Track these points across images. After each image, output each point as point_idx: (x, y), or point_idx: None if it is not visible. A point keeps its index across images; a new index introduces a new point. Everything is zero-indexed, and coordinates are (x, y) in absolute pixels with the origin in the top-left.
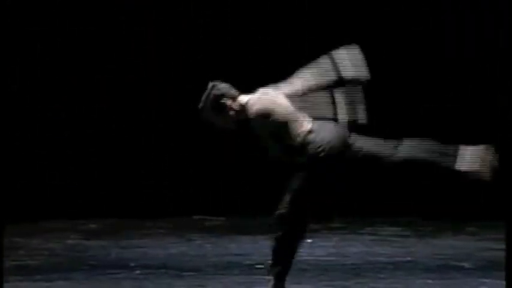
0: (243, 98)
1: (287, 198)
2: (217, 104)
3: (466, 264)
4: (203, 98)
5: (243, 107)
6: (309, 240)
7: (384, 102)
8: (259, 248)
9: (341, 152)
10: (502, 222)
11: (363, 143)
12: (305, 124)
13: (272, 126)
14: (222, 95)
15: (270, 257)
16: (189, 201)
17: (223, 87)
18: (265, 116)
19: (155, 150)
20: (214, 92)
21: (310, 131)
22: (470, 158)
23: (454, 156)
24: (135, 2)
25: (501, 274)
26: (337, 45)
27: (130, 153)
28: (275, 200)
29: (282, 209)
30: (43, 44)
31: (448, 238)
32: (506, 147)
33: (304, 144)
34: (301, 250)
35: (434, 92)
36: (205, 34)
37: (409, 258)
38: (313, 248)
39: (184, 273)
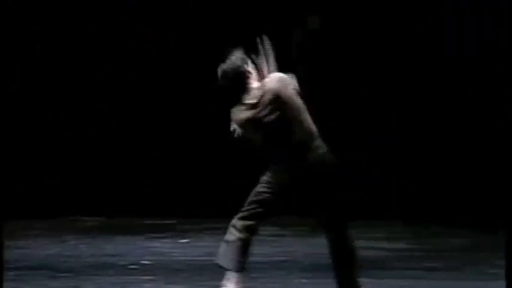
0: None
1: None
2: (238, 70)
3: None
4: (227, 65)
5: (262, 79)
6: (185, 240)
7: (384, 103)
8: (134, 248)
9: None
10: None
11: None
12: (313, 126)
13: (278, 111)
14: (244, 61)
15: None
16: (64, 202)
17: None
18: (282, 98)
19: (35, 151)
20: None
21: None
22: None
23: None
24: (135, 2)
25: (376, 272)
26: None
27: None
28: (151, 201)
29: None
30: (43, 44)
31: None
32: (506, 147)
33: (311, 146)
34: (176, 250)
35: (434, 91)
36: (205, 34)
37: (286, 258)
38: (188, 248)
39: (60, 274)
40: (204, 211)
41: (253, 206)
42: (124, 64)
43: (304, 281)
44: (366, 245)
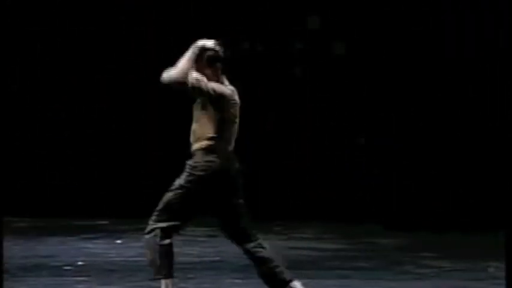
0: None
1: None
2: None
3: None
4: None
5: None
6: (119, 241)
7: (383, 103)
8: (67, 249)
9: None
10: (307, 221)
11: None
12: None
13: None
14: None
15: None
16: None
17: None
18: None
19: None
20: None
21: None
22: None
23: None
24: (135, 2)
25: (308, 272)
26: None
27: None
28: (81, 202)
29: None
30: (43, 44)
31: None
32: (506, 147)
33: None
34: (110, 251)
35: (434, 91)
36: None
37: (217, 258)
38: (122, 249)
39: None
40: (138, 211)
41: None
42: (124, 64)
43: (236, 281)
44: (297, 245)
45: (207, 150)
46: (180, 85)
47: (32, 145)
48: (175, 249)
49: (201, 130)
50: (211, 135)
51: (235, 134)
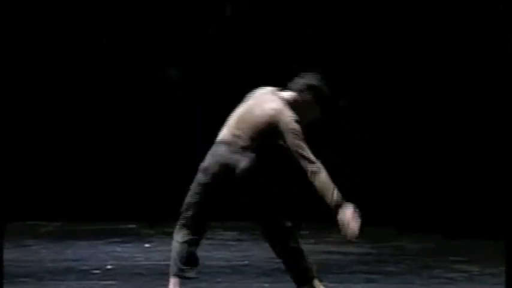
0: None
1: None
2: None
3: None
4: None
5: None
6: (147, 245)
7: (384, 103)
8: (96, 253)
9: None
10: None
11: None
12: None
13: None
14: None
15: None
16: (23, 206)
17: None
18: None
19: None
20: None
21: None
22: None
23: None
24: (135, 2)
25: (335, 276)
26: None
27: None
28: (110, 206)
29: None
30: (43, 44)
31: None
32: (506, 147)
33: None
34: (138, 255)
35: (435, 93)
36: (206, 34)
37: (246, 262)
38: (150, 253)
39: (20, 279)
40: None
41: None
42: (124, 64)
43: (265, 285)
44: (325, 249)
45: None
46: None
47: (60, 150)
48: (204, 253)
49: None
50: None
51: None
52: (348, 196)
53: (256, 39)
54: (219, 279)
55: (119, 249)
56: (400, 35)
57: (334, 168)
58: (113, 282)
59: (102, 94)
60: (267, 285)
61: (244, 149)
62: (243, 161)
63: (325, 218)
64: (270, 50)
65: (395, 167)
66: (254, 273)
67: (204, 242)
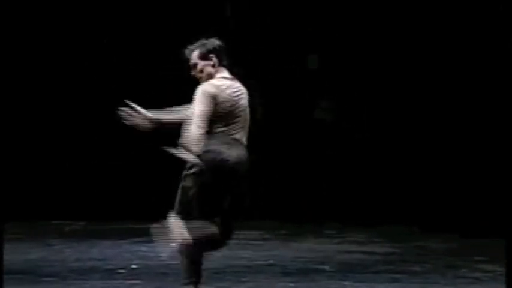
0: (220, 72)
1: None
2: (207, 53)
3: (326, 267)
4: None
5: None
6: (172, 244)
7: (384, 103)
8: (121, 252)
9: None
10: (361, 225)
11: None
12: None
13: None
14: (215, 51)
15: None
16: (47, 206)
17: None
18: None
19: (17, 152)
20: (216, 45)
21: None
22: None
23: None
24: (135, 2)
25: (360, 276)
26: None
27: None
28: (135, 204)
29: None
30: (43, 44)
31: (308, 241)
32: (506, 147)
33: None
34: (163, 254)
35: (436, 92)
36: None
37: (270, 261)
38: (176, 252)
39: (44, 279)
40: None
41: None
42: (124, 64)
43: (290, 284)
44: (349, 249)
45: None
46: None
47: (86, 150)
48: (228, 253)
49: None
50: None
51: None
52: (365, 194)
53: (256, 39)
54: (244, 279)
55: (144, 248)
56: (400, 35)
57: (334, 168)
58: (138, 281)
59: (102, 94)
60: (291, 284)
61: None
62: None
63: (349, 218)
64: (270, 50)
65: (402, 167)
66: (279, 273)
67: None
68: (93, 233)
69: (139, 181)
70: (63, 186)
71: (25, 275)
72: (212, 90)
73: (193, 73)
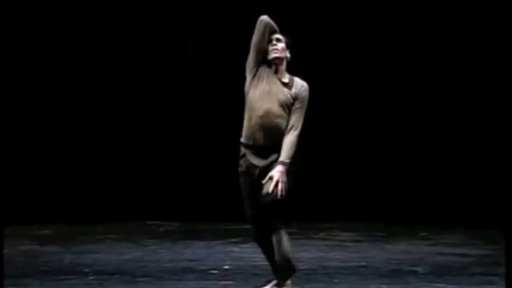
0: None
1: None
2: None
3: (419, 269)
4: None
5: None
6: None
7: (384, 103)
8: (214, 253)
9: None
10: (454, 227)
11: None
12: None
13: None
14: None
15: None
16: (142, 206)
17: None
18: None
19: (105, 154)
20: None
21: None
22: None
23: None
24: (135, 2)
25: (454, 278)
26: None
27: (79, 158)
28: (229, 205)
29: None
30: (43, 44)
31: (401, 243)
32: (506, 147)
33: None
34: (256, 255)
35: (436, 92)
36: (207, 35)
37: (363, 263)
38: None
39: (139, 279)
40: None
41: None
42: (124, 64)
43: (382, 286)
44: (444, 251)
45: None
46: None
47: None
48: (321, 254)
49: None
50: None
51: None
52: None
53: None
54: (336, 280)
55: (236, 249)
56: (399, 35)
57: (334, 168)
58: (231, 282)
59: (102, 94)
60: (384, 286)
61: None
62: None
63: (442, 219)
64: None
65: (401, 167)
66: (372, 275)
67: (321, 243)
68: (187, 234)
69: (232, 182)
70: (157, 187)
71: (120, 275)
72: None
73: (273, 48)
